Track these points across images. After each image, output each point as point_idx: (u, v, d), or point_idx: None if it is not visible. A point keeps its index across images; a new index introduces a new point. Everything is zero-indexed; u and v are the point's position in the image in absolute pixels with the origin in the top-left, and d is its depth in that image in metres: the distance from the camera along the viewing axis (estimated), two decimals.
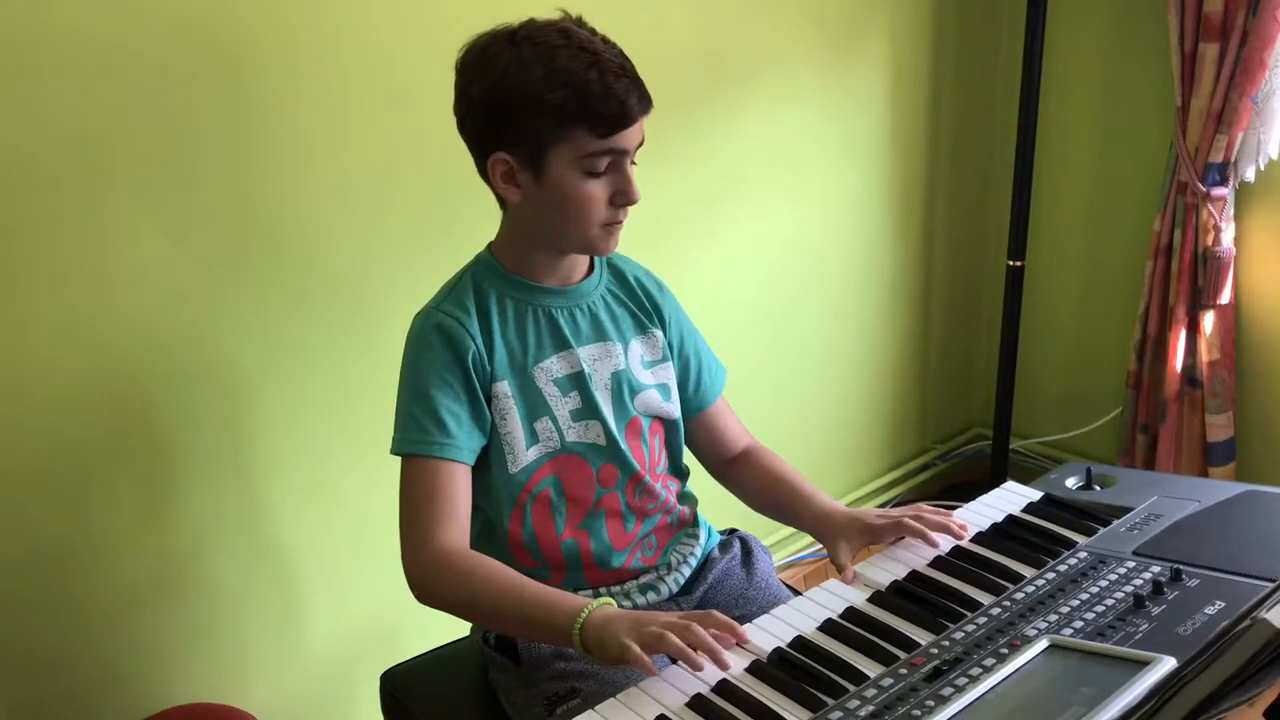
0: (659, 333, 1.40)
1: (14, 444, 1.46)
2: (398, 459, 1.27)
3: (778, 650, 1.13)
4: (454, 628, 1.55)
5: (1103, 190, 2.55)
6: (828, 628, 1.17)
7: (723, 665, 1.09)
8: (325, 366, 1.70)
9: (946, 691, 1.03)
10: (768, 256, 2.30)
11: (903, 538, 1.32)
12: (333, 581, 1.81)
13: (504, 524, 1.32)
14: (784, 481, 1.44)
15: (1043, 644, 1.06)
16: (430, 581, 1.23)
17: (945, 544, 1.31)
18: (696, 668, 1.08)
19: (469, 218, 1.71)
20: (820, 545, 1.39)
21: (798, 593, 1.37)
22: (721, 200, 2.17)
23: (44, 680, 1.55)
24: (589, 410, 1.33)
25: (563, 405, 1.32)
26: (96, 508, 1.54)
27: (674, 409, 1.41)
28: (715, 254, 2.18)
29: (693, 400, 1.46)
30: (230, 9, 1.49)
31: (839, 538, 1.33)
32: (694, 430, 1.48)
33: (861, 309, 2.55)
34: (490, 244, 1.36)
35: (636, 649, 1.08)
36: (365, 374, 1.73)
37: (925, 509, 1.35)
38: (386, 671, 1.48)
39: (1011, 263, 2.50)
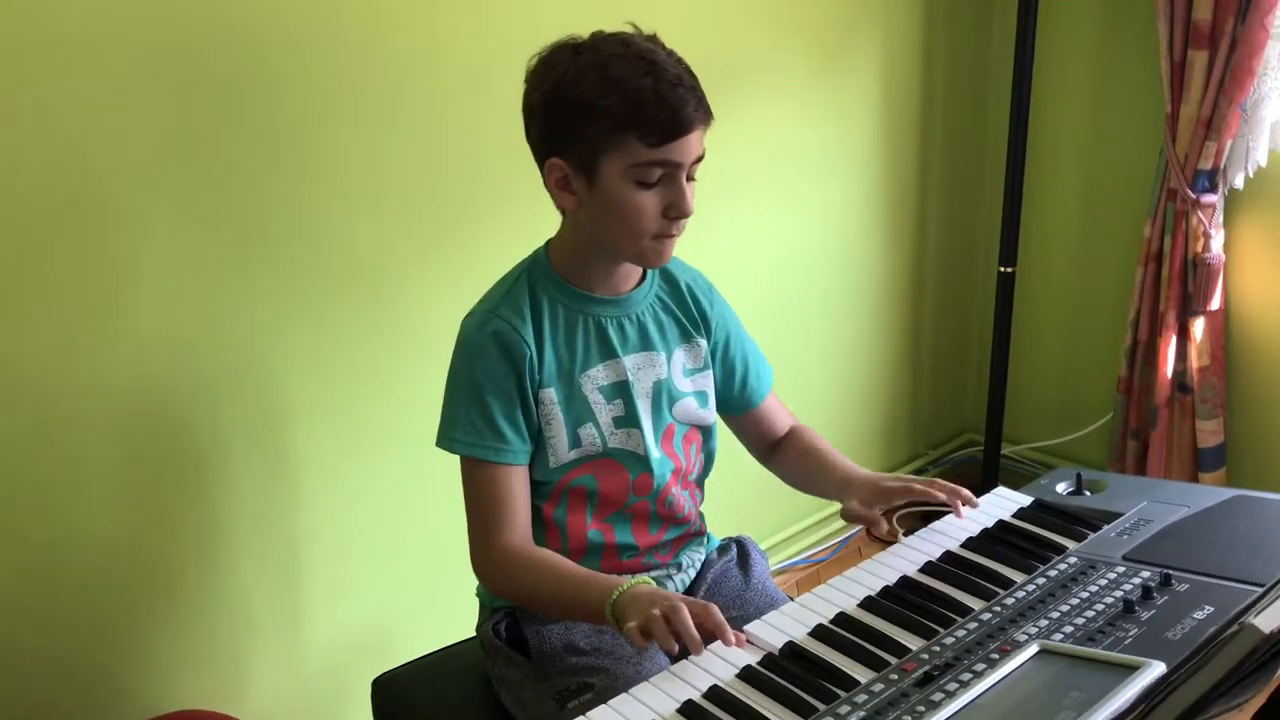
0: (703, 342, 1.42)
1: (11, 451, 1.45)
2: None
3: (769, 655, 1.13)
4: (447, 633, 1.55)
5: (1093, 197, 2.56)
6: (819, 633, 1.17)
7: (695, 650, 1.11)
8: (326, 372, 1.70)
9: (937, 697, 1.03)
10: (759, 262, 2.31)
11: (910, 506, 1.35)
12: (327, 587, 1.80)
13: (540, 504, 1.36)
14: (812, 454, 1.47)
15: (1033, 649, 1.06)
16: (493, 579, 1.32)
17: (940, 546, 1.32)
18: (669, 650, 1.12)
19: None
20: (816, 550, 1.40)
21: (791, 598, 1.37)
22: (712, 205, 2.17)
23: (38, 687, 1.54)
24: (630, 419, 1.35)
25: (606, 412, 1.34)
26: (89, 515, 1.54)
27: (710, 415, 1.44)
28: (707, 259, 2.17)
29: (739, 401, 1.49)
30: (242, 14, 1.50)
31: (851, 495, 1.37)
32: (742, 426, 1.53)
33: (853, 315, 2.56)
34: (549, 242, 1.37)
35: (636, 633, 1.13)
36: (365, 379, 1.74)
37: (939, 482, 1.37)
38: (378, 678, 1.48)
39: (1002, 269, 2.50)
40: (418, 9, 1.66)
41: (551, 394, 1.31)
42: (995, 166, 2.59)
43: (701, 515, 1.49)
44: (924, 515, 1.43)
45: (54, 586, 1.53)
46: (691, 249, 2.13)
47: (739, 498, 2.08)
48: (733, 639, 1.13)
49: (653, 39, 1.26)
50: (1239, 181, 2.23)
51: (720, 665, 1.13)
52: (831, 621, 1.19)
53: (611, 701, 1.09)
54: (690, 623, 1.11)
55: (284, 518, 1.73)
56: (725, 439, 1.54)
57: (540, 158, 1.27)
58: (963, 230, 2.73)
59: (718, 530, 1.54)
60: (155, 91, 1.45)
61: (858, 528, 2.68)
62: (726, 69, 2.12)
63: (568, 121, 1.22)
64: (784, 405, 1.55)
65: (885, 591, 1.24)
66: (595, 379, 1.34)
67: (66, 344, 1.47)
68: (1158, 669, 0.98)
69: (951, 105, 2.59)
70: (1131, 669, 0.99)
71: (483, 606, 1.46)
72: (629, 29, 1.27)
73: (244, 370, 1.63)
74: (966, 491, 1.37)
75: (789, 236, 2.35)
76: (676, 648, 1.12)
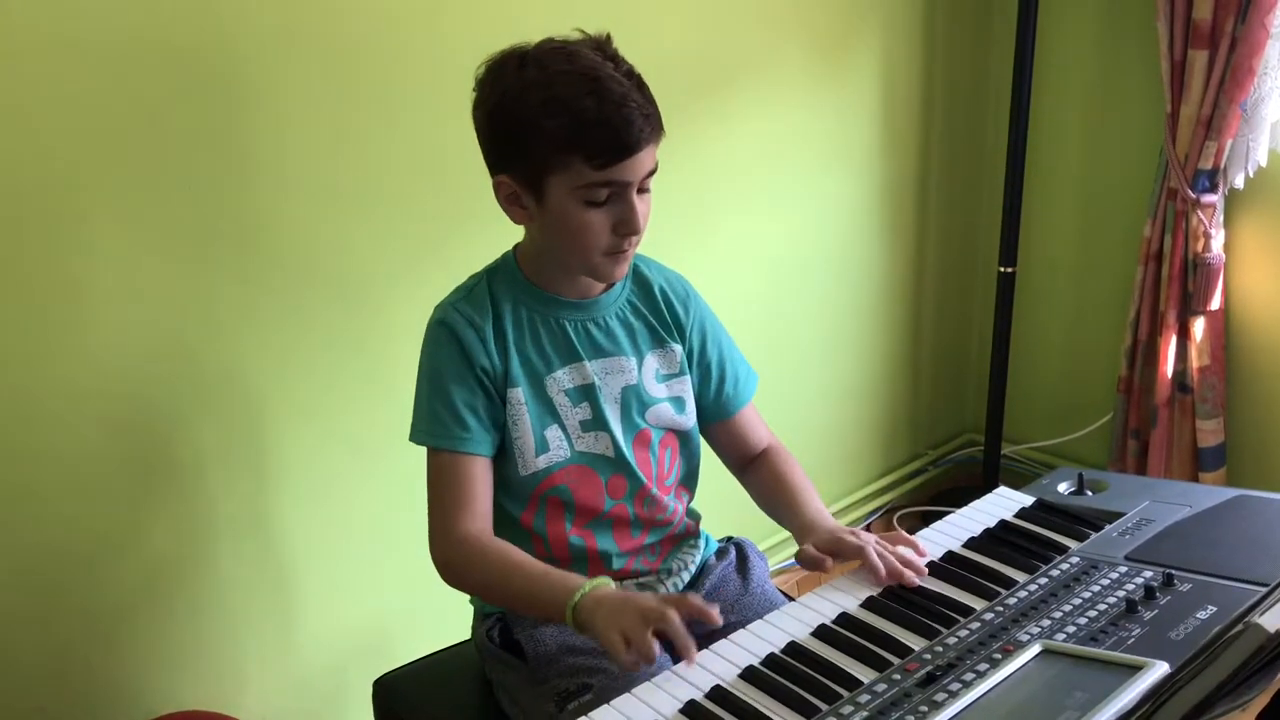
0: (677, 347, 1.40)
1: (5, 454, 1.45)
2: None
3: (771, 655, 1.13)
4: (447, 634, 1.55)
5: (1093, 196, 2.56)
6: (821, 633, 1.17)
7: (688, 658, 1.11)
8: (321, 372, 1.70)
9: (940, 697, 1.03)
10: (759, 262, 2.31)
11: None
12: (325, 588, 1.80)
13: (518, 514, 1.35)
14: (783, 487, 1.44)
15: (1035, 649, 1.06)
16: (451, 567, 1.29)
17: (943, 546, 1.31)
18: (649, 660, 1.10)
19: (476, 217, 1.72)
20: None
21: (791, 599, 1.37)
22: (713, 206, 2.18)
23: (35, 689, 1.54)
24: (598, 422, 1.34)
25: (573, 415, 1.33)
26: (87, 517, 1.54)
27: (687, 421, 1.42)
28: (706, 260, 2.18)
29: (714, 408, 1.46)
30: (227, 15, 1.49)
31: (808, 540, 1.34)
32: (717, 435, 1.49)
33: (853, 315, 2.55)
34: (517, 245, 1.37)
35: (620, 645, 1.10)
36: (362, 379, 1.73)
37: (895, 544, 1.29)
38: (379, 678, 1.48)
39: (1003, 269, 2.50)
40: (417, 9, 1.66)
41: (519, 394, 1.31)
42: (995, 166, 2.59)
43: (693, 515, 1.47)
44: (924, 515, 1.43)
45: (50, 588, 1.53)
46: (691, 249, 2.15)
47: (738, 498, 2.07)
48: (718, 618, 1.13)
49: (602, 47, 1.23)
50: (1239, 181, 2.23)
51: (722, 665, 1.13)
52: (834, 621, 1.19)
53: (614, 702, 1.09)
54: (680, 624, 1.10)
55: (282, 519, 1.73)
56: None
57: (490, 172, 1.27)
58: (963, 230, 2.73)
59: (717, 530, 1.54)
60: (149, 91, 1.45)
61: (858, 528, 2.68)
62: (726, 69, 2.12)
63: (513, 141, 1.21)
64: (763, 421, 1.51)
65: (887, 591, 1.24)
66: (560, 382, 1.33)
67: (62, 345, 1.46)
68: (1161, 669, 0.98)
69: (951, 105, 2.59)
70: (1135, 669, 0.99)
71: (475, 612, 1.46)
72: (578, 34, 1.24)
73: (240, 372, 1.63)
74: (918, 565, 1.26)
75: (789, 236, 2.35)
76: (655, 657, 1.10)
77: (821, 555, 1.29)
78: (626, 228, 1.24)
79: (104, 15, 1.40)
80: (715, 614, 1.13)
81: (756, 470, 1.49)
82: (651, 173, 1.25)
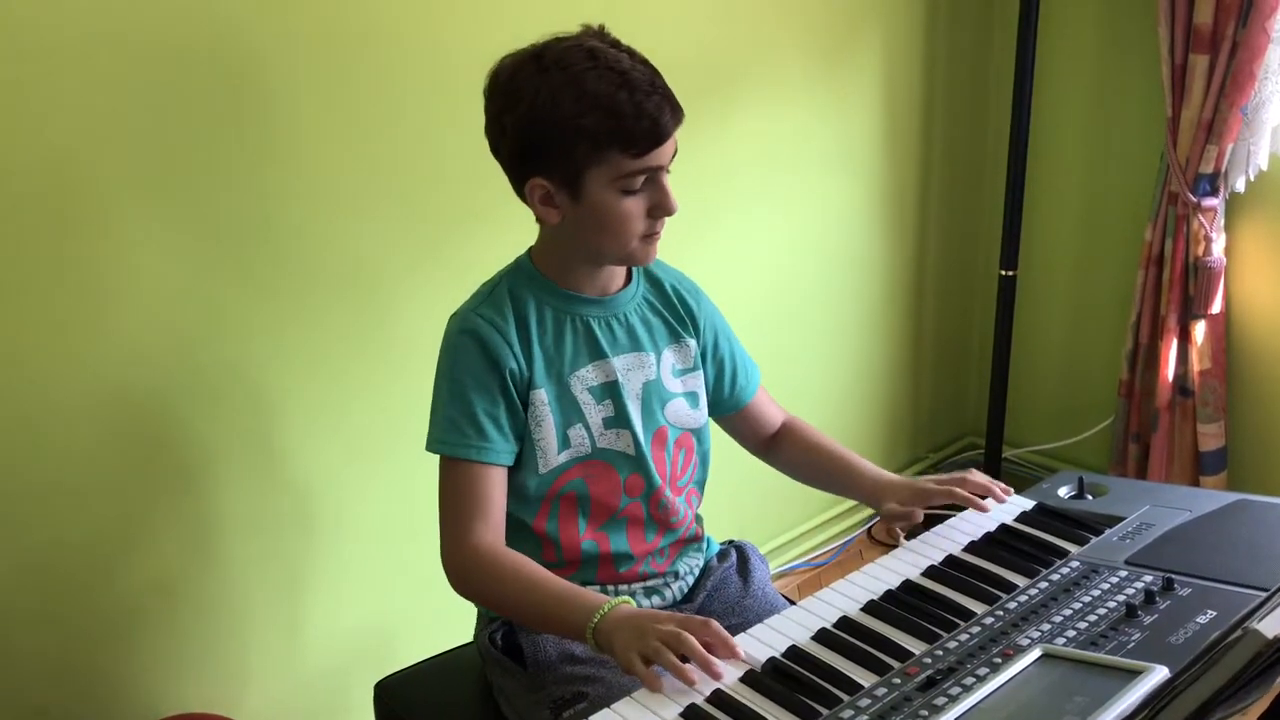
0: (692, 341, 1.42)
1: (10, 453, 1.45)
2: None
3: (771, 660, 1.13)
4: (449, 637, 1.55)
5: (1094, 200, 2.56)
6: (821, 637, 1.17)
7: (715, 675, 1.10)
8: (326, 374, 1.70)
9: (940, 701, 1.03)
10: (758, 265, 2.31)
11: (951, 506, 1.39)
12: (329, 590, 1.80)
13: (530, 519, 1.35)
14: (829, 454, 1.50)
15: (1035, 653, 1.06)
16: (464, 578, 1.29)
17: (943, 550, 1.32)
18: (689, 683, 1.09)
19: (479, 215, 1.74)
20: (817, 553, 1.40)
21: (792, 602, 1.38)
22: (713, 206, 2.18)
23: (37, 690, 1.54)
24: (620, 419, 1.35)
25: (596, 413, 1.34)
26: (93, 517, 1.54)
27: (700, 416, 1.44)
28: (706, 262, 2.18)
29: (728, 401, 1.50)
30: (233, 18, 1.50)
31: (890, 498, 1.41)
32: (735, 424, 1.54)
33: (854, 317, 2.56)
34: (530, 249, 1.37)
35: (640, 665, 1.11)
36: (366, 381, 1.74)
37: (972, 475, 1.41)
38: (381, 681, 1.48)
39: (1004, 272, 2.50)
40: (416, 9, 1.66)
41: (542, 395, 1.31)
42: (996, 169, 2.60)
43: (699, 519, 1.48)
44: (924, 518, 1.43)
45: (53, 588, 1.53)
46: (692, 251, 2.15)
47: (739, 501, 2.08)
48: (740, 653, 1.12)
49: (607, 38, 1.25)
50: (1240, 185, 2.24)
51: (723, 669, 1.12)
52: (834, 625, 1.19)
53: (615, 705, 1.09)
54: (699, 646, 1.10)
55: (284, 520, 1.73)
56: (723, 442, 1.54)
57: (518, 178, 1.27)
58: (964, 233, 2.74)
59: (718, 534, 1.54)
60: (153, 92, 1.46)
61: (858, 531, 2.68)
62: (727, 70, 2.12)
63: (547, 143, 1.22)
64: (773, 399, 1.56)
65: (888, 595, 1.24)
66: (585, 379, 1.34)
67: (65, 345, 1.47)
68: (1161, 673, 0.98)
69: (952, 107, 2.59)
70: (1135, 673, 0.99)
71: (480, 614, 1.46)
72: (580, 30, 1.26)
73: (243, 372, 1.63)
74: (998, 489, 1.40)
75: (790, 239, 2.35)
76: (696, 679, 1.09)
77: (910, 510, 1.39)
78: (662, 210, 1.27)
79: (107, 17, 1.40)
80: (738, 649, 1.13)
81: (780, 446, 1.53)
82: (674, 154, 1.27)
